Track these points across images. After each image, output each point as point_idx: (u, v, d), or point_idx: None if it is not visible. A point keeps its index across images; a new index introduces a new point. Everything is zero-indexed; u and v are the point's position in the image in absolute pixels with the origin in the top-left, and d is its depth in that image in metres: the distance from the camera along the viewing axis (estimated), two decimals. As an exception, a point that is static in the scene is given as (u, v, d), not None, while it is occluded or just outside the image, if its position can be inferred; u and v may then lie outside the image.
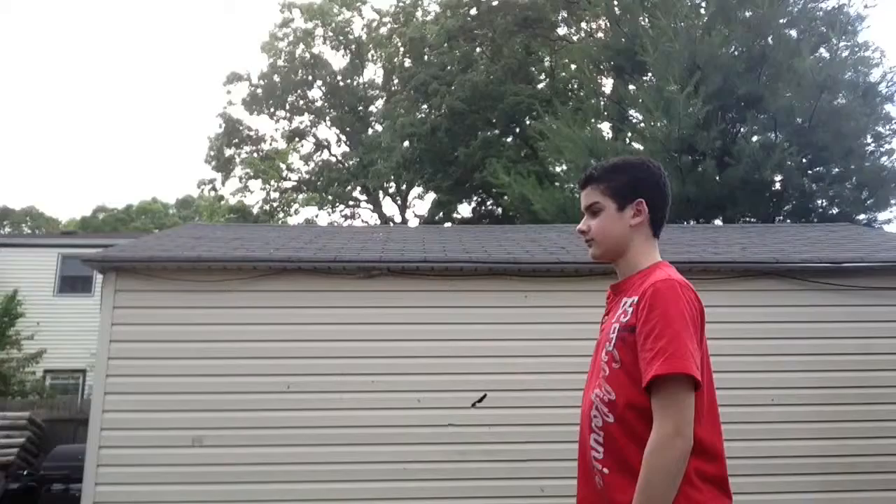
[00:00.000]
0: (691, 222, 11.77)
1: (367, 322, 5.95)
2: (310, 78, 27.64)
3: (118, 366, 5.73)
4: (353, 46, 27.96)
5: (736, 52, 12.68)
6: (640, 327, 1.68)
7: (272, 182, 28.56)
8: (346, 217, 28.07)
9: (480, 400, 5.72)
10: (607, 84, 17.24)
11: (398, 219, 26.38)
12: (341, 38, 27.94)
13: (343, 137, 28.06)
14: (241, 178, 28.18)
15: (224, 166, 27.61)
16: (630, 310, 1.74)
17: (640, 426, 1.65)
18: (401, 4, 26.45)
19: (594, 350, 1.89)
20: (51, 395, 15.09)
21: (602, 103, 16.07)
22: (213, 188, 28.36)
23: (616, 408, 1.70)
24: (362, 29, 28.03)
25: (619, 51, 14.52)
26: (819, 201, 12.32)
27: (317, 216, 28.79)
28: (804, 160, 11.97)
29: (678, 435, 1.58)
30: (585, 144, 13.15)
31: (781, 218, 12.15)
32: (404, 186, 25.99)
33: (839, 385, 5.91)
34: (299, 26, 27.67)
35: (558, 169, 16.30)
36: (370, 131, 26.57)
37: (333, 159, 28.15)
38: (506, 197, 17.28)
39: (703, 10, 14.24)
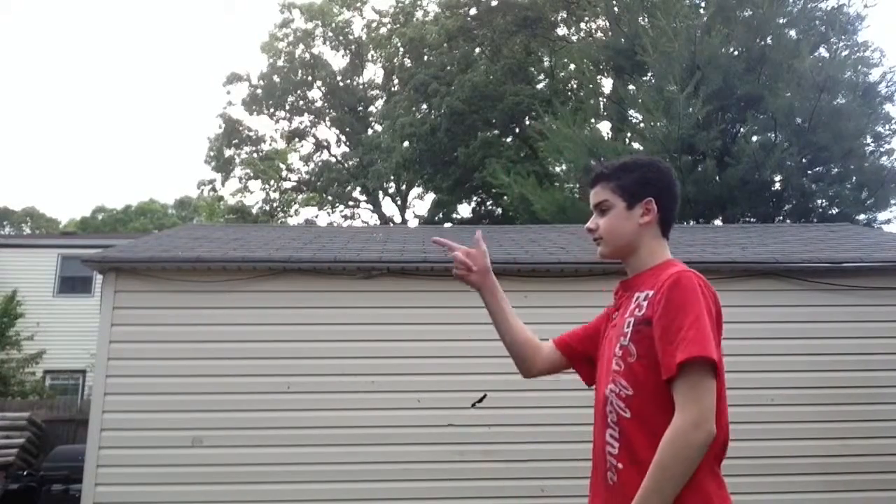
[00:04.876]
0: (691, 222, 11.76)
1: (367, 322, 5.95)
2: (309, 78, 27.63)
3: (118, 366, 5.73)
4: (353, 46, 27.95)
5: (736, 53, 12.67)
6: (657, 319, 1.65)
7: (272, 182, 28.55)
8: (345, 217, 28.11)
9: (480, 400, 5.71)
10: (607, 84, 17.27)
11: (398, 219, 26.39)
12: (341, 38, 27.93)
13: (343, 138, 28.06)
14: (240, 179, 28.22)
15: (224, 167, 27.61)
16: (645, 303, 1.73)
17: (658, 421, 1.62)
18: (400, 4, 26.43)
19: (604, 346, 1.88)
20: (51, 396, 15.09)
21: (602, 103, 16.06)
22: (213, 188, 28.37)
23: (633, 403, 1.68)
24: (362, 29, 28.05)
25: (619, 51, 14.51)
26: (819, 201, 12.30)
27: (317, 216, 28.79)
28: (804, 160, 11.96)
29: (699, 425, 1.54)
30: (585, 144, 13.14)
31: (781, 218, 12.14)
32: (404, 186, 26.01)
33: (839, 385, 5.90)
34: (299, 27, 27.67)
35: (558, 169, 16.32)
36: (370, 131, 26.56)
37: (333, 159, 28.14)
38: (505, 197, 17.28)
39: (702, 10, 14.23)
